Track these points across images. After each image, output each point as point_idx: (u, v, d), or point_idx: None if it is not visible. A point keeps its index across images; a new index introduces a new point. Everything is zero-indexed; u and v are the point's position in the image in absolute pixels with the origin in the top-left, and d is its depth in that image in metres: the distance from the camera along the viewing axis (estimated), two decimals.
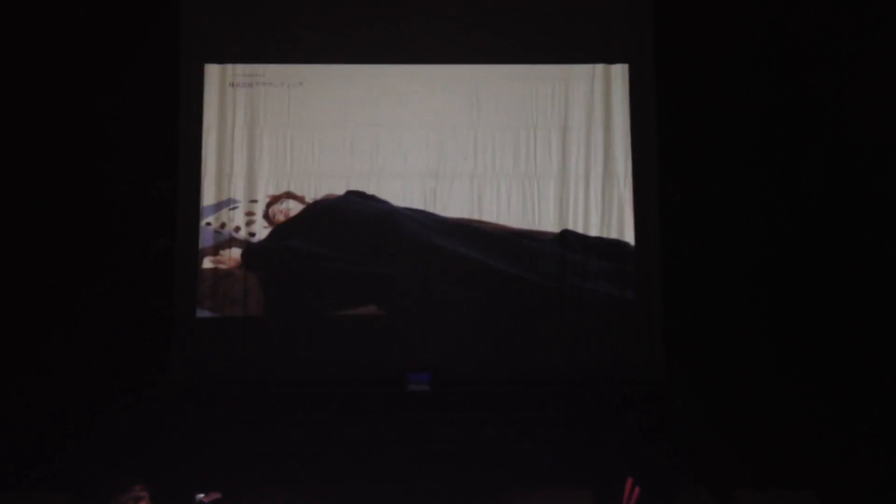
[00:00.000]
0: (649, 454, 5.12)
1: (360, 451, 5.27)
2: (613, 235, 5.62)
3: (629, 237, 5.61)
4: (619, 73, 5.77)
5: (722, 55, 5.61)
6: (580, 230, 5.63)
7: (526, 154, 5.70)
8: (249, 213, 5.61)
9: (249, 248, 5.58)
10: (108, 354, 5.30)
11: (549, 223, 5.65)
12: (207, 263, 5.56)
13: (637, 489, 2.83)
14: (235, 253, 5.58)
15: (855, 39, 5.23)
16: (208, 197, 5.60)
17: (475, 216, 5.65)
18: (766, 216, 5.52)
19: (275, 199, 5.62)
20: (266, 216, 5.61)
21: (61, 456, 4.97)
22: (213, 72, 5.70)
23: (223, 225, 5.59)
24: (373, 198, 5.64)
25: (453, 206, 5.66)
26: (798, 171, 5.53)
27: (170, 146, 5.60)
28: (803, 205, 5.49)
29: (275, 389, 5.41)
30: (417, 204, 5.64)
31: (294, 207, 5.63)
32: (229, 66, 5.71)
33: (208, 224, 5.59)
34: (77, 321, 5.34)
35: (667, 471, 5.01)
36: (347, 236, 5.61)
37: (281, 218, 5.62)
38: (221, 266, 5.57)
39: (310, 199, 5.63)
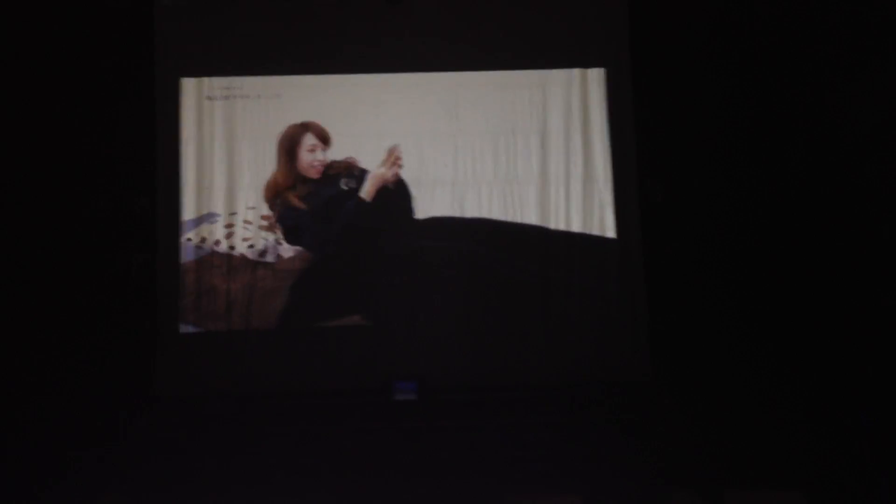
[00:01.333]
0: (637, 455, 5.14)
1: (347, 461, 5.24)
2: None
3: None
4: (595, 77, 5.79)
5: (698, 55, 5.65)
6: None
7: (506, 159, 5.71)
8: (229, 226, 5.58)
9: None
10: (91, 372, 5.25)
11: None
12: (189, 278, 5.53)
13: None
14: (217, 267, 5.55)
15: (833, 36, 5.27)
16: (188, 211, 5.58)
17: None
18: (746, 213, 5.55)
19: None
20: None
21: (44, 474, 4.92)
22: (189, 85, 5.67)
23: (203, 239, 5.56)
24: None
25: (435, 213, 5.66)
26: (777, 168, 5.56)
27: (148, 161, 5.57)
28: (784, 201, 5.52)
29: (260, 402, 5.39)
30: None
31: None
32: (205, 80, 5.68)
33: (189, 240, 5.56)
34: (58, 339, 5.29)
35: (655, 472, 5.04)
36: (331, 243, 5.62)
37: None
38: (203, 281, 5.54)
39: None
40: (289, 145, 5.65)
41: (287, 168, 5.65)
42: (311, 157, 5.65)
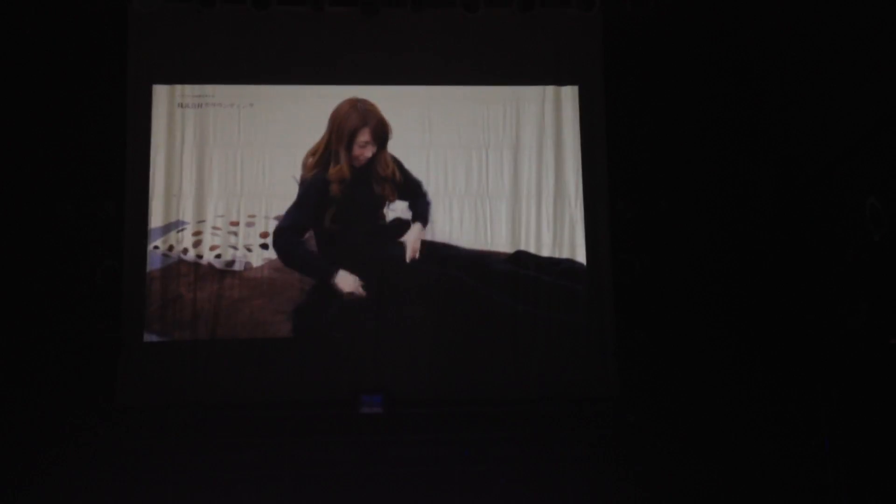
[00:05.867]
0: (603, 470, 5.13)
1: (312, 474, 5.18)
2: (565, 254, 5.66)
3: (581, 255, 5.65)
4: (569, 95, 5.84)
5: (668, 76, 5.74)
6: (532, 249, 5.66)
7: (478, 174, 5.73)
8: (197, 233, 5.53)
9: None
10: (54, 380, 5.17)
11: (501, 243, 5.68)
12: (155, 287, 5.46)
13: None
14: (183, 276, 5.50)
15: (798, 60, 5.34)
16: (156, 219, 5.52)
17: (428, 237, 5.65)
18: (714, 231, 5.61)
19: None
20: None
21: (6, 484, 4.83)
22: (161, 92, 5.64)
23: (171, 247, 5.51)
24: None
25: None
26: (745, 187, 5.63)
27: (117, 168, 5.51)
28: (751, 220, 5.57)
29: (225, 413, 5.31)
30: None
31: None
32: (178, 87, 5.66)
33: (156, 248, 5.50)
34: (21, 345, 5.20)
35: (621, 487, 5.04)
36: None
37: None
38: (170, 289, 5.48)
39: (261, 218, 5.59)
40: (344, 130, 5.66)
41: (334, 148, 5.66)
42: (360, 151, 5.66)
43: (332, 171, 5.63)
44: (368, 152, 5.65)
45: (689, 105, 5.71)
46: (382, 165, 5.66)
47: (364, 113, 5.69)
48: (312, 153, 5.65)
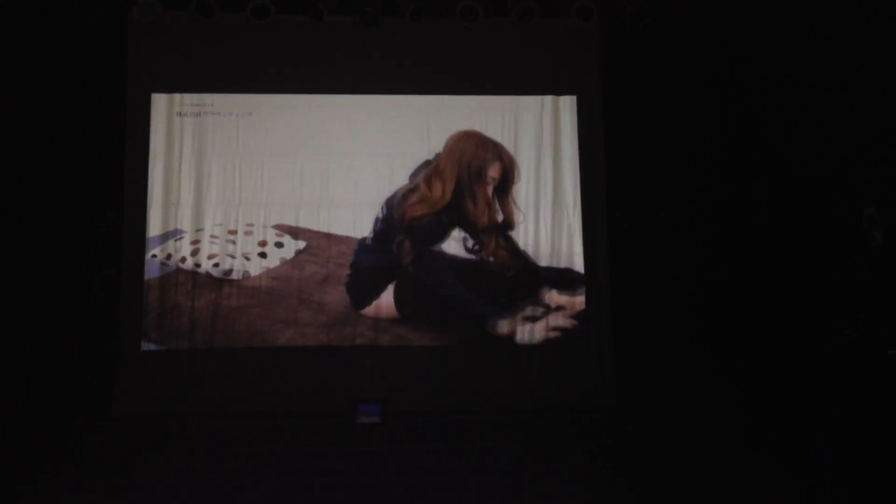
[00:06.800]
0: (601, 481, 5.12)
1: (310, 483, 5.17)
2: (563, 263, 5.66)
3: (579, 265, 5.66)
4: (567, 105, 5.85)
5: (666, 87, 5.74)
6: (531, 259, 5.65)
7: None
8: (195, 242, 5.53)
9: None
10: (50, 388, 5.15)
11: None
12: (153, 295, 5.46)
13: None
14: (181, 285, 5.49)
15: (796, 70, 5.36)
16: (154, 227, 5.53)
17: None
18: (712, 242, 5.62)
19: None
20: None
21: (3, 494, 4.83)
22: (160, 101, 5.64)
23: (169, 256, 5.51)
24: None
25: None
26: (743, 197, 5.63)
27: (116, 176, 5.52)
28: (749, 230, 5.58)
29: (223, 422, 5.31)
30: (368, 233, 5.65)
31: None
32: (177, 96, 5.66)
33: (154, 256, 5.50)
34: (18, 353, 5.18)
35: (618, 497, 5.04)
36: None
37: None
38: (167, 298, 5.47)
39: (259, 227, 5.59)
40: (476, 165, 5.64)
41: (466, 185, 5.64)
42: (484, 188, 5.64)
43: (474, 209, 5.60)
44: (490, 191, 5.62)
45: (687, 115, 5.71)
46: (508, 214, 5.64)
47: (493, 147, 5.67)
48: (440, 178, 5.62)
